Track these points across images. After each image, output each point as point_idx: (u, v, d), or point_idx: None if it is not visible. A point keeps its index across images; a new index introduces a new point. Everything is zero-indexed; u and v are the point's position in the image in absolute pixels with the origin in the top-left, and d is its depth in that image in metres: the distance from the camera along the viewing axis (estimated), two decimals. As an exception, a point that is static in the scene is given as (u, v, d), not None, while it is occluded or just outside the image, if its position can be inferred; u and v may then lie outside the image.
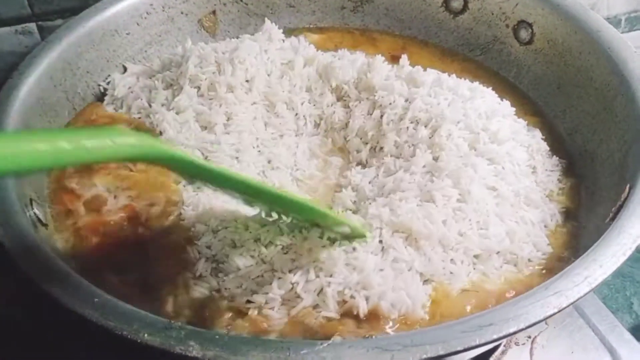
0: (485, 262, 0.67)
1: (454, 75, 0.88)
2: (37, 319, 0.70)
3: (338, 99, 0.91)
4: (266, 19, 1.00)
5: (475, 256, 0.67)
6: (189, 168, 0.55)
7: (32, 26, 0.95)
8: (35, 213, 0.71)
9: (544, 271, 0.68)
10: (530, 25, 0.97)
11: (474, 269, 0.67)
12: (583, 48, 0.88)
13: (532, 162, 0.79)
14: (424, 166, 0.75)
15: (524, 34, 0.98)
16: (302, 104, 0.89)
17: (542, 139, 0.85)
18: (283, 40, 0.96)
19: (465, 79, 0.89)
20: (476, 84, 0.88)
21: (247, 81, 0.87)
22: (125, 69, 0.97)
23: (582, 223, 0.75)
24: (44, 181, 0.78)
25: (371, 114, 0.86)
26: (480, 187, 0.70)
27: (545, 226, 0.73)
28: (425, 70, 0.89)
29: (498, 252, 0.68)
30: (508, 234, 0.68)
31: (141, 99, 0.88)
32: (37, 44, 0.92)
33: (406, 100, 0.83)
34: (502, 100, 0.87)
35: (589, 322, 0.81)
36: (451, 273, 0.65)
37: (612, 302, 0.89)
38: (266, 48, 0.92)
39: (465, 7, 1.05)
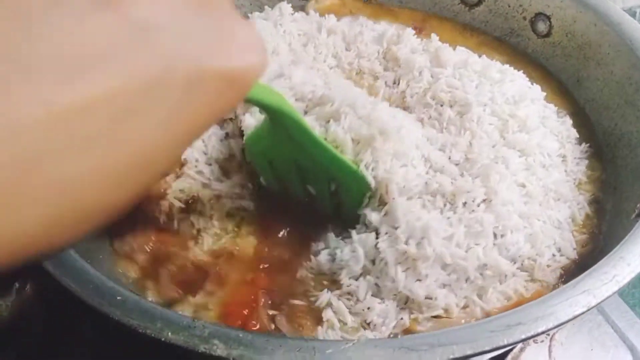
0: (490, 277, 0.63)
1: (484, 56, 0.87)
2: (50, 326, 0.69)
3: (364, 70, 0.90)
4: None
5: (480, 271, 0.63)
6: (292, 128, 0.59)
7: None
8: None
9: (562, 278, 0.66)
10: (548, 17, 0.95)
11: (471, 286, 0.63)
12: (603, 41, 0.86)
13: (563, 151, 0.78)
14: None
15: (541, 27, 0.97)
16: (330, 69, 0.89)
17: (571, 125, 0.83)
18: (293, 14, 0.96)
19: (494, 60, 0.87)
20: (506, 66, 0.85)
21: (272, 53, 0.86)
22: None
23: (608, 215, 0.73)
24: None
25: (398, 85, 0.85)
26: (509, 186, 0.67)
27: (572, 220, 0.71)
28: (454, 49, 0.87)
29: (513, 261, 0.64)
30: (530, 238, 0.65)
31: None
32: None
33: (432, 77, 0.83)
34: (532, 84, 0.85)
35: (608, 319, 0.81)
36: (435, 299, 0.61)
37: (629, 297, 0.88)
38: (281, 22, 0.91)
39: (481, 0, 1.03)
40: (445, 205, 0.66)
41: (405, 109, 0.82)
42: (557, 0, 0.93)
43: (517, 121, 0.75)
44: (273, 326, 0.61)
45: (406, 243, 0.61)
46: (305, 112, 0.70)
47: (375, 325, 0.60)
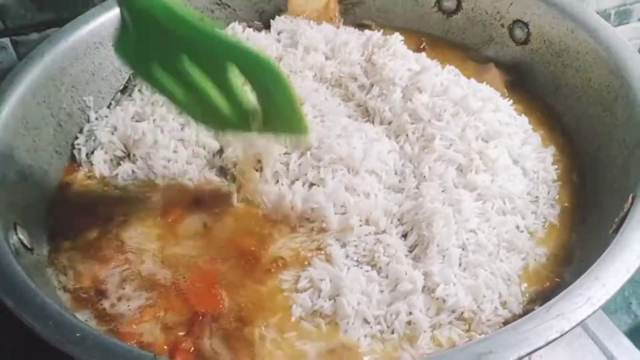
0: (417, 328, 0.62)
1: (473, 80, 0.85)
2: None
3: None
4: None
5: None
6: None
7: (6, 41, 0.92)
8: (19, 238, 0.69)
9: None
10: (525, 24, 0.94)
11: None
12: (580, 48, 0.85)
13: (536, 192, 0.75)
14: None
15: (519, 34, 0.95)
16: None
17: (552, 163, 0.79)
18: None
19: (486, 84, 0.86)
20: (494, 93, 0.83)
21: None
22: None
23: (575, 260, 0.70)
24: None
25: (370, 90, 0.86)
26: (456, 233, 0.65)
27: (524, 272, 0.68)
28: (443, 67, 0.87)
29: (452, 311, 0.62)
30: (472, 290, 0.63)
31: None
32: (12, 59, 0.90)
33: (403, 97, 0.82)
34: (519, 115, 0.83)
35: (587, 330, 0.79)
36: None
37: (611, 303, 0.87)
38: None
39: (458, 7, 1.02)
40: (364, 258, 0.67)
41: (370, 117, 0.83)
42: (534, 7, 0.92)
43: (485, 161, 0.73)
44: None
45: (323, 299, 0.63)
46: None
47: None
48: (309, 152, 0.75)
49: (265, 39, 0.95)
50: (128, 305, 0.65)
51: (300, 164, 0.75)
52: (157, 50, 0.60)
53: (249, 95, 0.63)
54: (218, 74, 0.61)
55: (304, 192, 0.72)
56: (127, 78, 0.97)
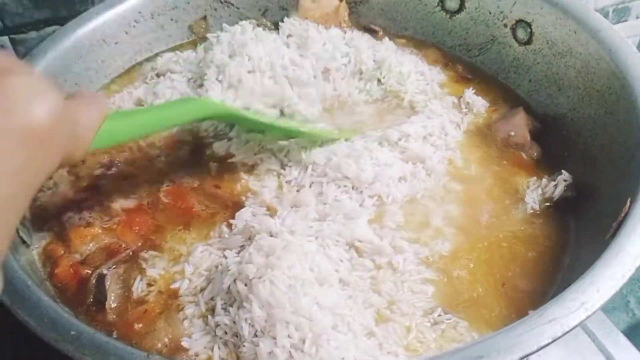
0: None
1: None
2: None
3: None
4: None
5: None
6: (233, 117, 0.80)
7: (5, 40, 0.92)
8: (19, 234, 0.70)
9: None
10: (528, 24, 0.93)
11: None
12: (583, 49, 0.84)
13: None
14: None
15: (522, 34, 0.95)
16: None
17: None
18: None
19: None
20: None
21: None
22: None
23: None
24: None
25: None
26: None
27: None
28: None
29: None
30: None
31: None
32: (11, 58, 0.90)
33: None
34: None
35: (585, 328, 0.79)
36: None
37: (608, 302, 0.86)
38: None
39: (461, 7, 1.01)
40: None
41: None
42: (537, 6, 0.91)
43: None
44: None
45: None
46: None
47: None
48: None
49: (273, 41, 0.94)
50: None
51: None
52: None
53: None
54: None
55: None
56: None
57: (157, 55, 1.01)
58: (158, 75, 0.96)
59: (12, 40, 0.94)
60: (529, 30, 0.93)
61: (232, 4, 1.06)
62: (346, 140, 0.81)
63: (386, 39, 1.02)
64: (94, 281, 0.66)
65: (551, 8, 0.89)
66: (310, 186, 0.76)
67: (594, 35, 0.82)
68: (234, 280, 0.61)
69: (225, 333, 0.60)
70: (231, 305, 0.61)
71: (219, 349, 0.59)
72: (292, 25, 1.00)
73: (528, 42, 0.94)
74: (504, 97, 0.95)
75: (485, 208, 0.76)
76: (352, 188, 0.75)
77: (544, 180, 0.80)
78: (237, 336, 0.59)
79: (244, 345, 0.57)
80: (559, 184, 0.78)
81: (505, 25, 0.97)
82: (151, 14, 0.99)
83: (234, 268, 0.62)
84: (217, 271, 0.65)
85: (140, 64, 1.00)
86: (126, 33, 0.97)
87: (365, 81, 0.95)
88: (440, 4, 1.03)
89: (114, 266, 0.68)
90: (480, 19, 1.00)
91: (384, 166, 0.77)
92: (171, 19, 1.02)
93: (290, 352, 0.55)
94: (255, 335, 0.57)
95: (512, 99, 0.94)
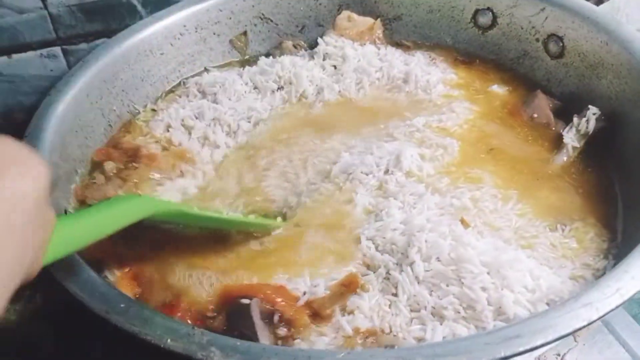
0: None
1: None
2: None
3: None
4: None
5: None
6: (183, 216, 0.70)
7: (57, 50, 0.98)
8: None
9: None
10: (560, 38, 0.96)
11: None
12: (615, 60, 0.86)
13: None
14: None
15: (554, 48, 0.97)
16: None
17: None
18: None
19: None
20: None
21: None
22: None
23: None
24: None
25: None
26: None
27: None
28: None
29: None
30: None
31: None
32: (62, 67, 0.96)
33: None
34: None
35: (619, 339, 0.78)
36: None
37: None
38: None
39: (494, 23, 1.04)
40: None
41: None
42: (569, 21, 0.94)
43: None
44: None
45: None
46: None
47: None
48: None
49: (308, 70, 1.00)
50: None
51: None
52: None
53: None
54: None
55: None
56: (173, 84, 1.03)
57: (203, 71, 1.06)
58: (202, 93, 1.00)
59: (63, 51, 1.00)
60: (561, 44, 0.95)
61: (272, 20, 1.11)
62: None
63: (418, 52, 1.06)
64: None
65: (582, 21, 0.92)
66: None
67: (626, 46, 0.84)
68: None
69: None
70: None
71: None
72: (327, 45, 1.05)
73: (560, 55, 0.96)
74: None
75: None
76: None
77: (575, 119, 0.85)
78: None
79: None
80: (590, 118, 0.83)
81: (537, 40, 0.99)
82: (195, 28, 1.04)
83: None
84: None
85: (186, 79, 1.04)
86: (171, 45, 1.02)
87: (394, 92, 0.99)
88: (473, 20, 1.06)
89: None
90: (513, 34, 1.02)
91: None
92: (213, 33, 1.07)
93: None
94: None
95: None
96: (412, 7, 1.10)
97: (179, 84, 1.04)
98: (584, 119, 0.84)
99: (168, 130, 0.92)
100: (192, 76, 1.04)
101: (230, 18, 1.08)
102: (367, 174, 0.80)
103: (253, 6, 1.07)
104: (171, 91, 1.02)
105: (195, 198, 0.82)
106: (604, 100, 0.88)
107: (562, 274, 0.66)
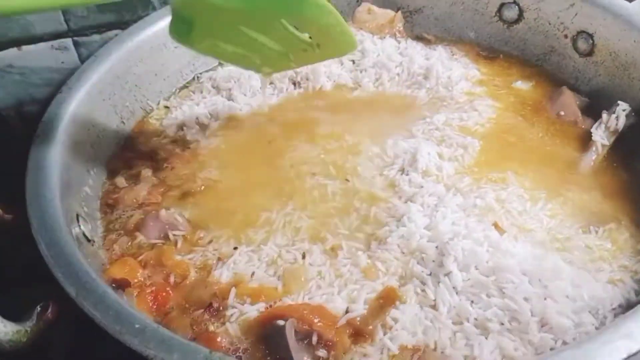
0: None
1: None
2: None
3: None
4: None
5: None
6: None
7: (68, 42, 0.95)
8: (81, 229, 0.71)
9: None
10: (590, 35, 0.91)
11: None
12: (650, 60, 0.82)
13: None
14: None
15: (583, 45, 0.93)
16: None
17: None
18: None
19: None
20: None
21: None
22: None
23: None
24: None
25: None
26: None
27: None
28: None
29: None
30: None
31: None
32: (74, 59, 0.93)
33: None
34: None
35: None
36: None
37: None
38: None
39: (520, 17, 1.00)
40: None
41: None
42: (600, 18, 0.89)
43: None
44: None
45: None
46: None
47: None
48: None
49: (326, 66, 0.97)
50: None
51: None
52: (215, 28, 0.69)
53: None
54: (273, 29, 0.68)
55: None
56: (187, 79, 1.00)
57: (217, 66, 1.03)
58: (216, 89, 0.98)
59: (75, 42, 0.97)
60: (591, 41, 0.91)
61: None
62: None
63: (439, 46, 1.02)
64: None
65: (615, 19, 0.87)
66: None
67: (662, 46, 0.80)
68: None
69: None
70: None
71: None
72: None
73: (590, 53, 0.92)
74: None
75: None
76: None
77: (604, 116, 0.82)
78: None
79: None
80: (619, 115, 0.80)
81: (566, 36, 0.95)
82: (209, 20, 1.01)
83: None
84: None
85: (200, 74, 1.01)
86: (185, 38, 0.99)
87: (414, 88, 0.95)
88: (498, 14, 1.02)
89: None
90: (540, 29, 0.98)
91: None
92: (228, 25, 1.03)
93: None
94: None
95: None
96: (434, -1, 1.06)
97: (193, 78, 1.01)
98: (614, 115, 0.81)
99: (182, 129, 0.89)
100: (207, 71, 1.01)
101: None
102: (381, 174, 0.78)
103: (270, -2, 1.04)
104: (185, 86, 0.99)
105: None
106: (636, 102, 0.84)
107: (600, 279, 0.64)
